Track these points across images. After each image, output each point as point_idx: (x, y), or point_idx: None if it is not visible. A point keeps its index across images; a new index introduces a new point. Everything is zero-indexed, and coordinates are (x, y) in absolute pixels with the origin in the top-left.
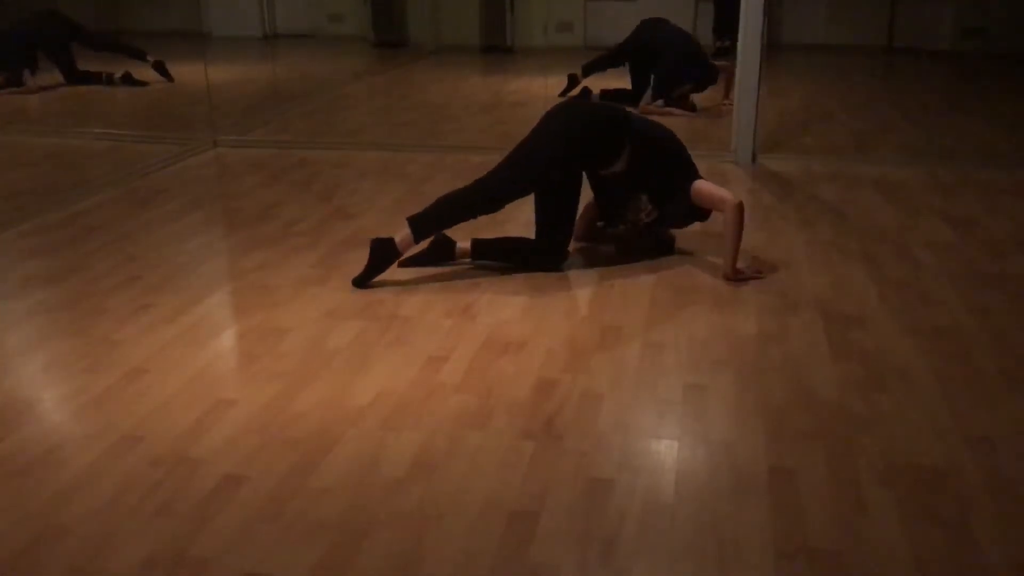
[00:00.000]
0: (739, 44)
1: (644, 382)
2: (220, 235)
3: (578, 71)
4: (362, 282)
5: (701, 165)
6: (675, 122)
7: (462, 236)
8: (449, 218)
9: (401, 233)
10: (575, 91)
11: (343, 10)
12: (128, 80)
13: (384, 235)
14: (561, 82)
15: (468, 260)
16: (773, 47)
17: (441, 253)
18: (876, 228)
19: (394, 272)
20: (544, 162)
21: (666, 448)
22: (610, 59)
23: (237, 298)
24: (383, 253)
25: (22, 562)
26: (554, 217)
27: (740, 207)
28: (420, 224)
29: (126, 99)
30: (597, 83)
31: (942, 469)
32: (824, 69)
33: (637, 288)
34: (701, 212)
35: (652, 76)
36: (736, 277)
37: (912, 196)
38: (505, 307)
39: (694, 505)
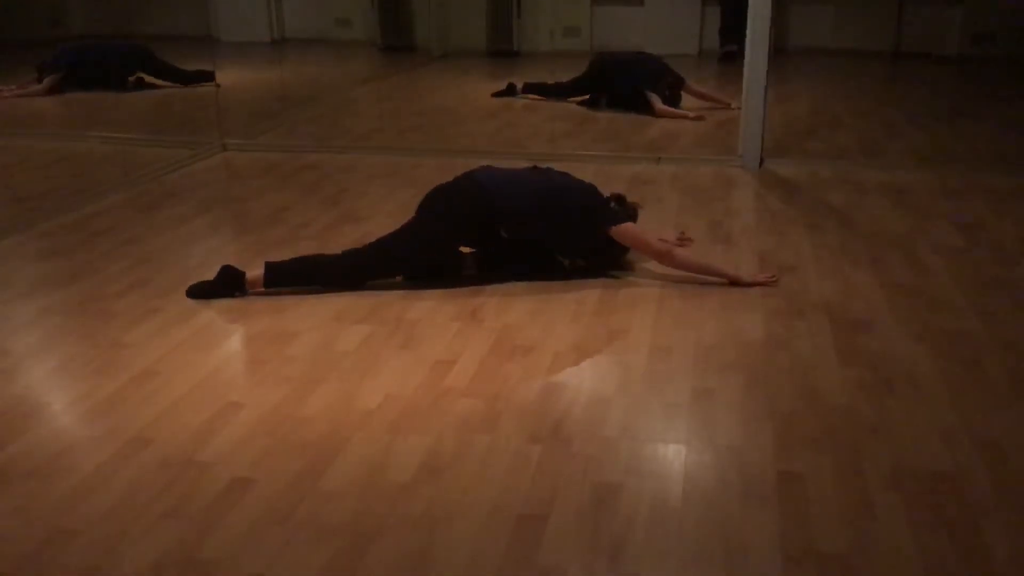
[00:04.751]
0: (746, 48)
1: (652, 386)
2: (228, 238)
3: (520, 82)
4: (195, 294)
5: (708, 170)
6: (686, 125)
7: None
8: (306, 279)
9: (254, 273)
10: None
11: (351, 15)
12: (140, 84)
13: (239, 266)
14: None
15: (474, 271)
16: (780, 52)
17: (448, 268)
18: (884, 233)
19: (400, 278)
20: (417, 253)
21: (674, 452)
22: (555, 90)
23: (245, 301)
24: (229, 283)
25: (32, 564)
26: (519, 243)
27: (671, 256)
28: (275, 274)
29: (135, 103)
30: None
31: (950, 473)
32: (831, 74)
33: (644, 292)
34: (616, 247)
35: (642, 88)
36: (743, 283)
37: (920, 201)
38: (512, 311)
39: (702, 509)
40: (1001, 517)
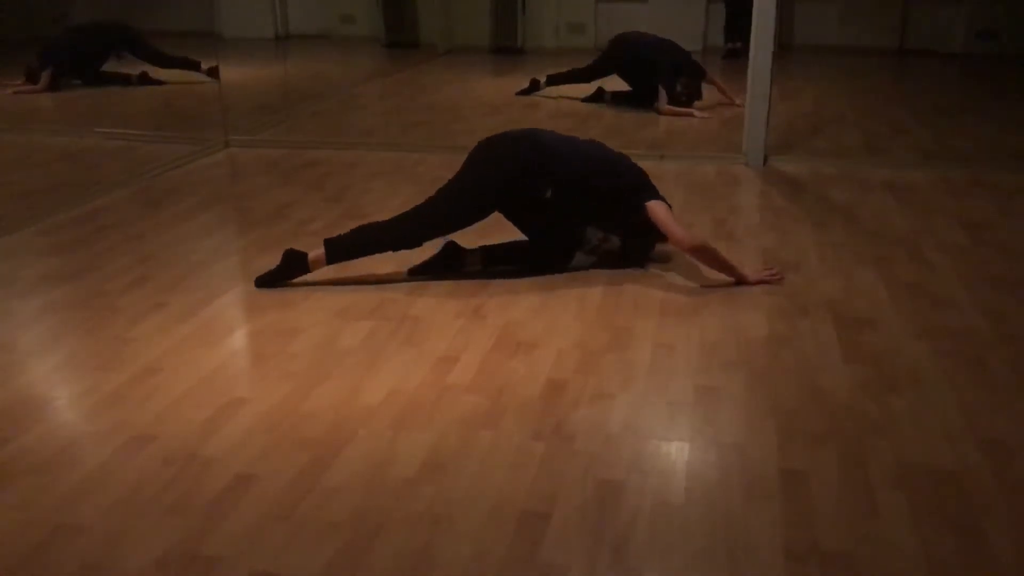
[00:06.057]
0: (751, 46)
1: (655, 383)
2: (232, 235)
3: (542, 77)
4: (264, 283)
5: (712, 167)
6: (691, 122)
7: (470, 242)
8: (366, 249)
9: (315, 252)
10: (585, 92)
11: (355, 11)
12: (144, 80)
13: (300, 248)
14: (571, 87)
15: (478, 266)
16: (785, 49)
17: (451, 261)
18: (888, 230)
19: (404, 273)
20: (466, 205)
21: (677, 450)
22: (579, 75)
23: (249, 298)
24: (293, 265)
25: (35, 560)
26: (539, 226)
27: (697, 250)
28: (336, 248)
29: (139, 99)
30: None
31: (954, 471)
32: (836, 71)
33: (648, 289)
34: (655, 231)
35: (656, 82)
36: (749, 282)
37: (924, 198)
38: (516, 308)
39: (705, 507)
40: (1005, 515)
